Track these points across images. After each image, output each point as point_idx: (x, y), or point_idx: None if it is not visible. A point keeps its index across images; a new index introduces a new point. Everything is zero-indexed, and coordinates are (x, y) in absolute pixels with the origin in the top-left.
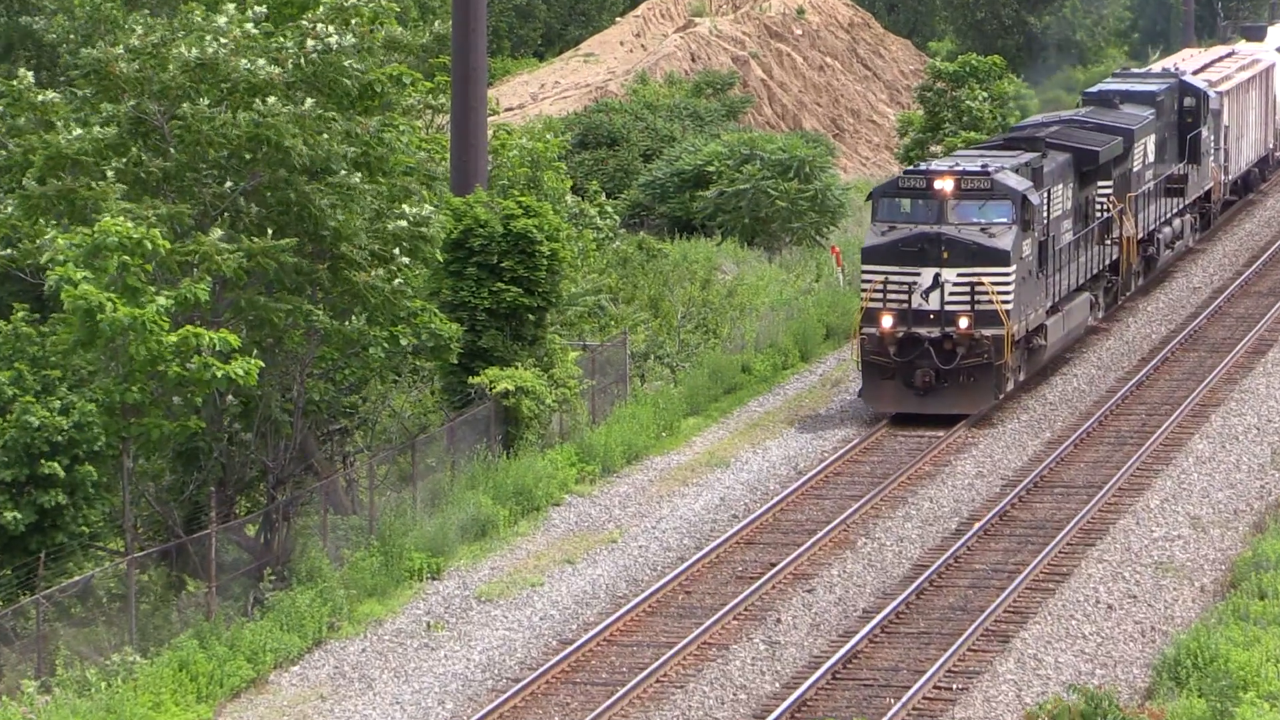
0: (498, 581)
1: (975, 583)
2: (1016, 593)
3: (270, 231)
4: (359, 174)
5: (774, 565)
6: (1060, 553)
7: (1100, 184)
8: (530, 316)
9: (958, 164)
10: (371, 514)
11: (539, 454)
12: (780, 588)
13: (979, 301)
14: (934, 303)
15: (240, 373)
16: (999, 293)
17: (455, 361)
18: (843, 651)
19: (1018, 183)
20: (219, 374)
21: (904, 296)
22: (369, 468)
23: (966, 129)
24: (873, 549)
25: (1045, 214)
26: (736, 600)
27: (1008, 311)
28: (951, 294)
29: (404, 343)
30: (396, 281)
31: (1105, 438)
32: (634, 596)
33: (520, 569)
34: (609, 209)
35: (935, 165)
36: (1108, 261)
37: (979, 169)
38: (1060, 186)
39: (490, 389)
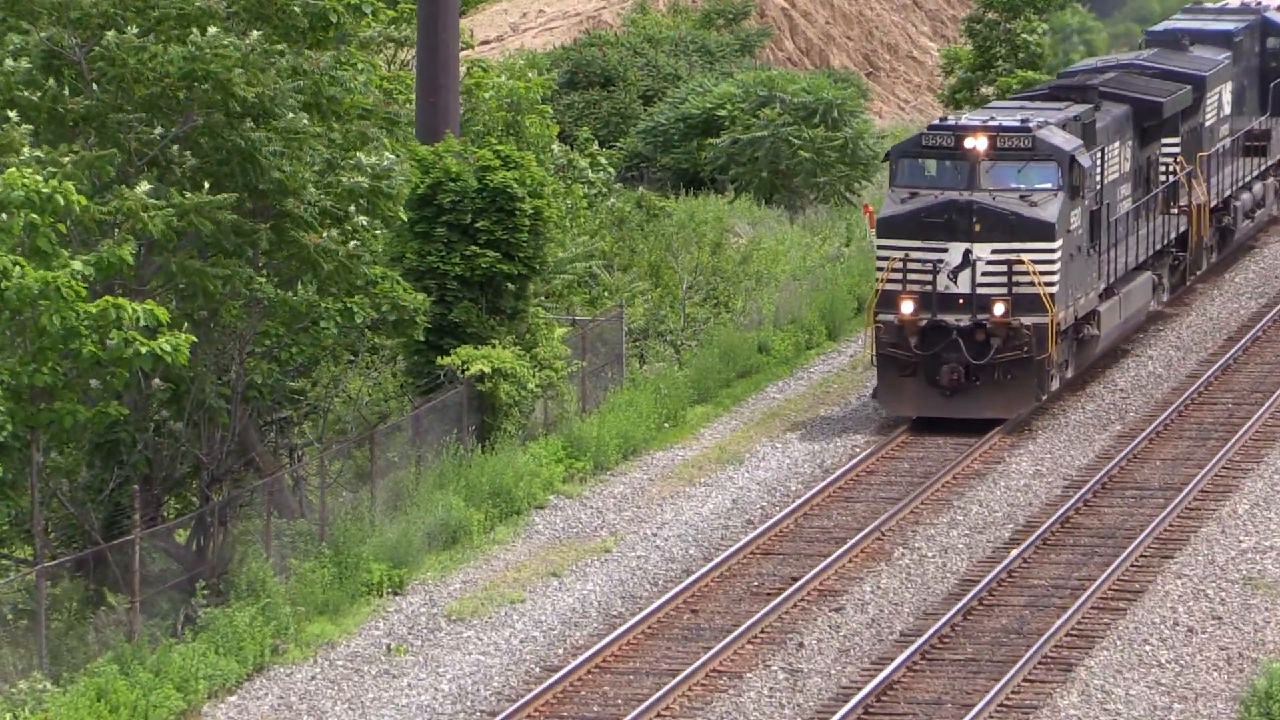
0: (471, 597)
1: (1032, 601)
2: (1081, 613)
3: (206, 185)
4: (308, 118)
5: (796, 580)
6: (1132, 566)
7: (1165, 142)
8: (510, 286)
9: (993, 118)
10: (323, 517)
11: (520, 448)
12: (803, 606)
13: (1018, 283)
14: (964, 285)
15: (169, 350)
16: (1042, 273)
17: (421, 339)
18: (876, 682)
19: (1065, 141)
20: (144, 352)
21: (928, 277)
22: (320, 463)
23: (1023, 67)
24: (912, 561)
25: (1098, 178)
26: (751, 621)
27: (1052, 295)
28: (985, 274)
29: (361, 316)
30: (352, 244)
31: (1185, 431)
32: (631, 616)
33: (497, 582)
34: (602, 160)
35: (966, 119)
36: (1174, 234)
37: (1018, 124)
38: (1116, 145)
39: (462, 371)
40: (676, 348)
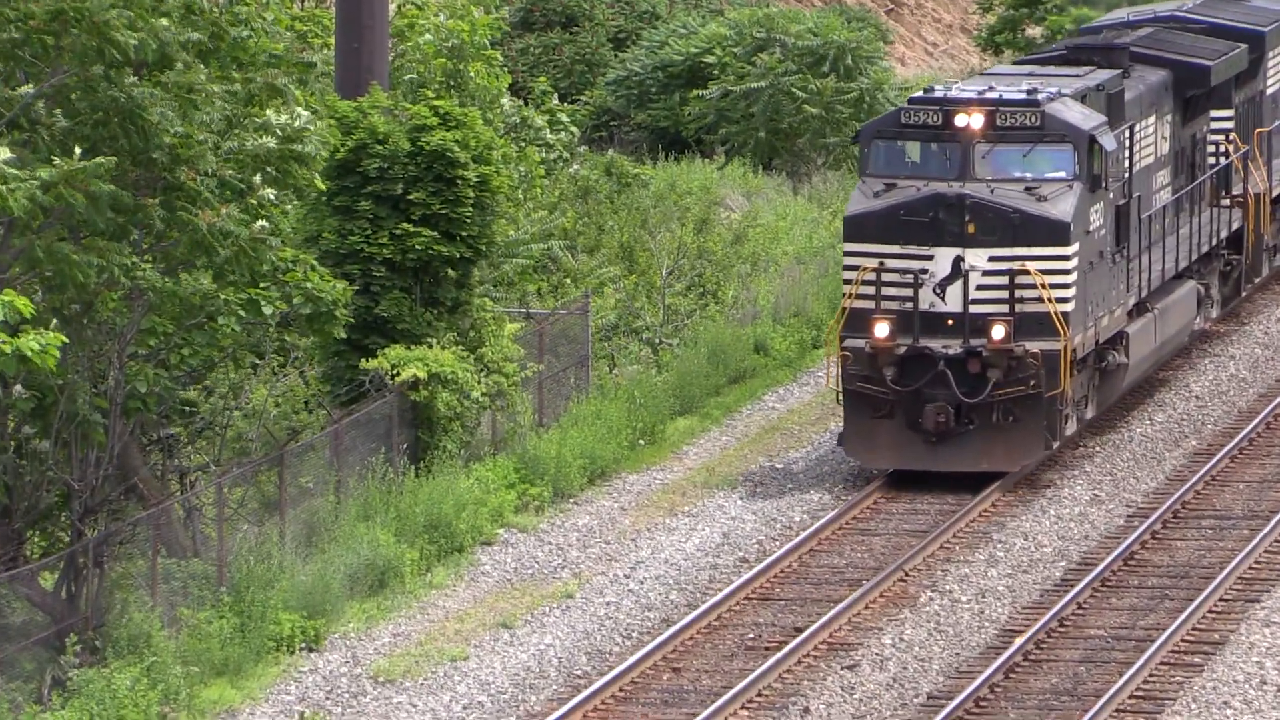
0: (403, 654)
1: (1089, 655)
2: (1148, 669)
3: (79, 150)
4: (205, 68)
5: (800, 631)
6: (1210, 612)
7: (1215, 115)
8: (450, 272)
9: (991, 88)
10: (221, 557)
11: (462, 470)
12: (809, 664)
13: (1022, 299)
14: (953, 301)
15: (36, 350)
16: (1053, 285)
17: (342, 337)
18: None
19: (1082, 117)
20: (6, 351)
21: (908, 292)
22: (217, 491)
23: (1075, 3)
24: (942, 607)
25: (1127, 163)
26: (746, 682)
27: (1066, 314)
28: (980, 288)
29: (268, 310)
30: (259, 224)
31: (1275, 448)
32: (599, 676)
33: (435, 636)
34: (564, 118)
35: (958, 90)
36: (1225, 232)
37: (1023, 96)
38: (1151, 120)
39: (392, 377)
40: (654, 347)
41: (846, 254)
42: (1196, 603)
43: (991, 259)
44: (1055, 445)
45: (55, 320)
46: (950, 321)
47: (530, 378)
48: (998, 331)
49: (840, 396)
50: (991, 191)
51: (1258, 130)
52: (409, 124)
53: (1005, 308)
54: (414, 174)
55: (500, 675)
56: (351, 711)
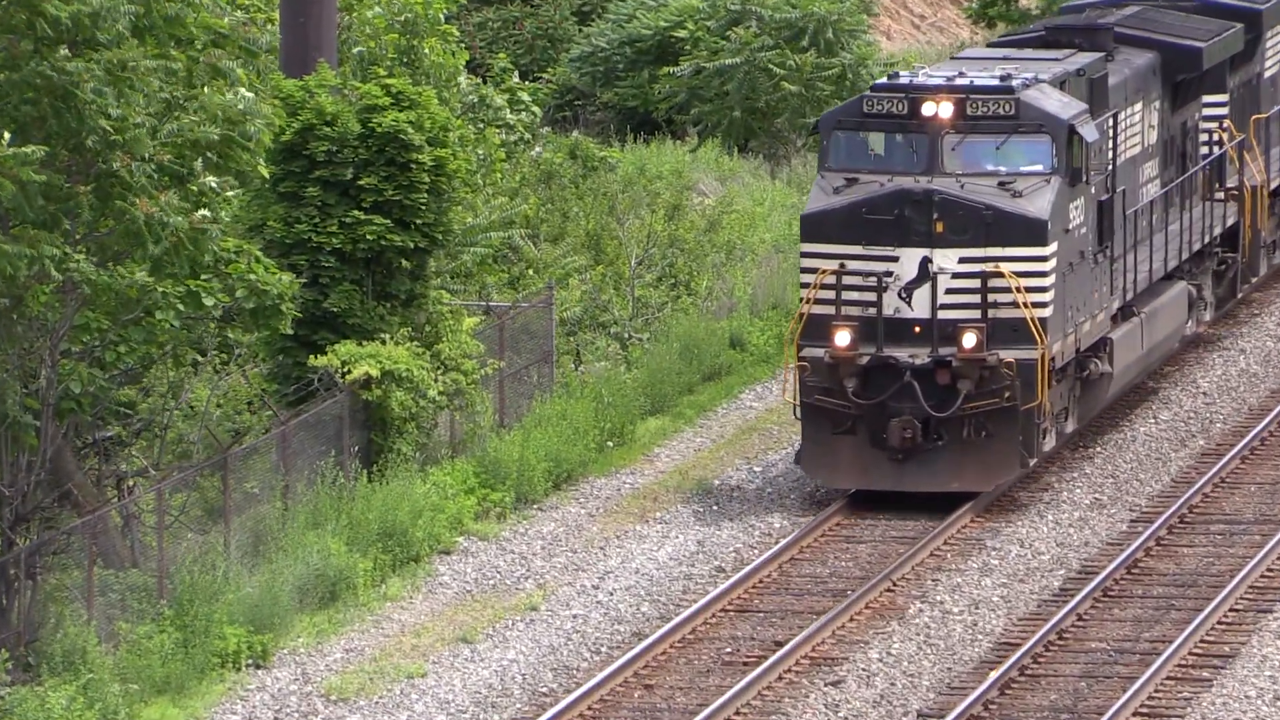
0: (356, 671)
1: (1090, 670)
2: (1153, 685)
3: (6, 135)
4: (140, 45)
5: (781, 645)
6: (1220, 624)
7: (1207, 101)
8: (404, 263)
9: (962, 74)
10: (161, 567)
11: (418, 474)
12: (791, 680)
13: (996, 304)
14: (920, 307)
15: None
16: (1029, 289)
17: (289, 332)
18: None
19: (1061, 105)
20: None
21: (871, 296)
22: (157, 497)
23: None
24: (932, 619)
25: (1111, 155)
26: (723, 699)
27: (1044, 321)
28: (950, 292)
29: (209, 303)
30: (201, 213)
31: None
32: (565, 694)
33: (390, 651)
34: (525, 97)
35: (925, 75)
36: (1219, 228)
37: (996, 83)
38: (1138, 107)
39: (343, 375)
40: (623, 342)
41: (804, 255)
42: (1205, 613)
43: (962, 260)
44: (1032, 462)
45: None
46: (917, 329)
47: (490, 375)
48: (969, 339)
49: (797, 410)
50: (962, 187)
51: (1254, 117)
52: (359, 104)
53: (977, 313)
54: (365, 158)
55: (460, 693)
56: None
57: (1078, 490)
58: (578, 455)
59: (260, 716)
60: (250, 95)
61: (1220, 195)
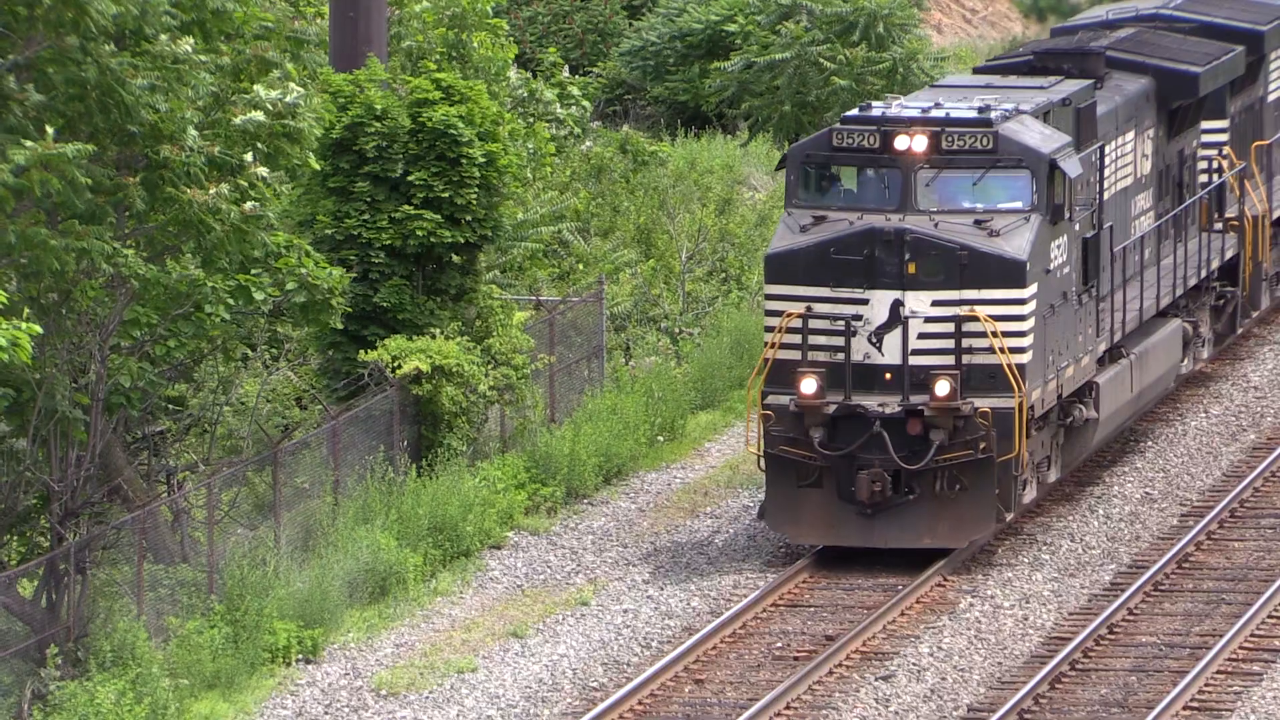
0: (406, 666)
1: (1140, 664)
2: (1204, 679)
3: (54, 130)
4: (188, 40)
5: (832, 640)
6: (1270, 617)
7: (1206, 127)
8: (455, 258)
9: (938, 104)
10: (211, 563)
11: (468, 469)
12: (842, 675)
13: (971, 350)
14: (891, 353)
15: (4, 343)
16: (1006, 334)
17: (339, 327)
18: None
19: (1042, 138)
20: None
21: (839, 341)
22: (207, 492)
23: None
24: (983, 613)
25: (1098, 189)
26: (774, 694)
27: (1022, 367)
28: (923, 337)
29: (259, 297)
30: (249, 205)
31: None
32: (616, 689)
33: (441, 646)
34: (575, 91)
35: (899, 106)
36: (1217, 261)
37: (974, 115)
38: (1130, 136)
39: (393, 370)
40: (673, 337)
41: (769, 298)
42: (1255, 607)
43: (935, 303)
44: (1009, 517)
45: (30, 310)
46: (888, 375)
47: (541, 370)
48: (942, 387)
49: (761, 461)
50: (935, 225)
51: (1256, 143)
52: (409, 98)
53: (950, 359)
54: (415, 153)
55: (510, 688)
56: None
57: (1128, 484)
58: (628, 450)
59: (310, 711)
60: (299, 90)
61: (1219, 226)
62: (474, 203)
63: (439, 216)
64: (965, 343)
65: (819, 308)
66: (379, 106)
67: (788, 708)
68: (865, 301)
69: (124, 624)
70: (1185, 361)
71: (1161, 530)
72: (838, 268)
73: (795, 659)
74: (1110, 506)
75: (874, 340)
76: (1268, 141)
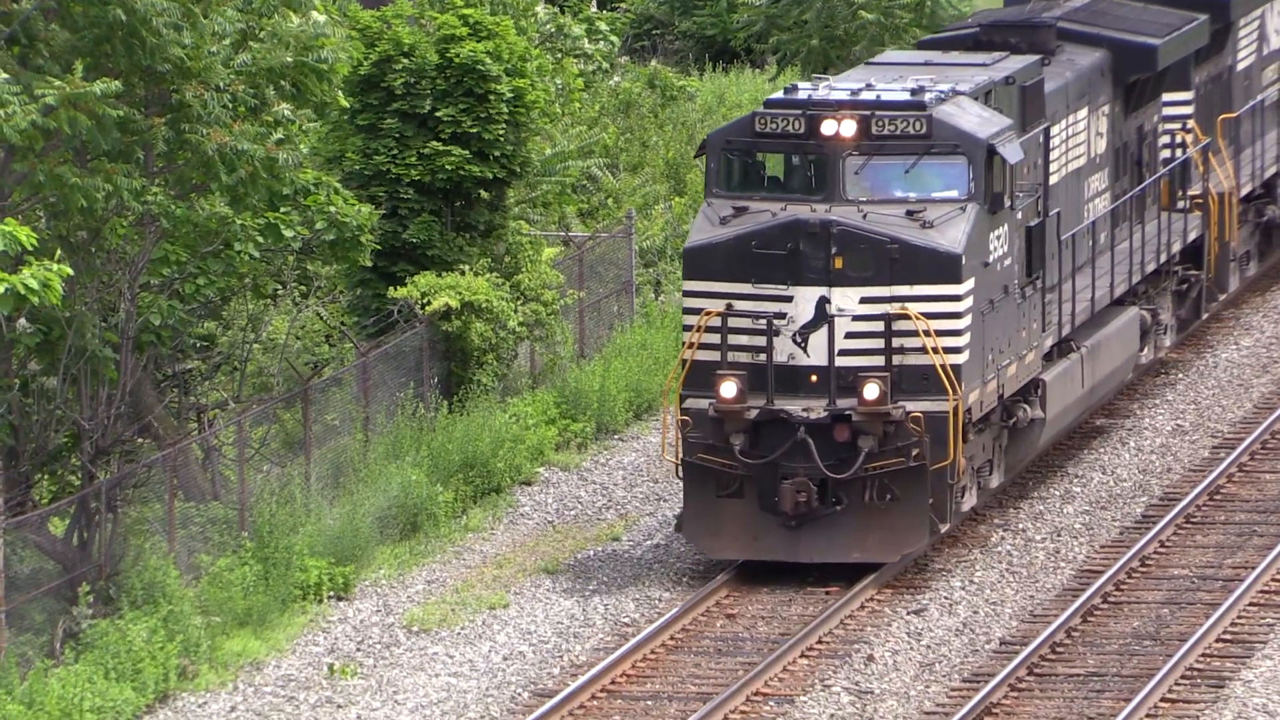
0: (438, 603)
1: (1172, 597)
2: (1236, 611)
3: (80, 69)
4: None
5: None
6: None
7: (1168, 100)
8: (483, 194)
9: (870, 86)
10: (242, 500)
11: (499, 405)
12: (873, 609)
13: (903, 349)
14: (817, 353)
15: (36, 286)
16: (940, 332)
17: (368, 264)
18: (969, 707)
19: (980, 122)
20: (3, 288)
21: (761, 341)
22: (237, 429)
23: None
24: (1014, 547)
25: (1044, 173)
26: (807, 629)
27: (957, 368)
28: (850, 336)
29: (289, 235)
30: (275, 138)
31: None
32: (647, 624)
33: (473, 582)
34: (603, 26)
35: (826, 88)
36: (1180, 243)
37: (906, 97)
38: (1082, 114)
39: (422, 306)
40: None
41: (686, 294)
42: None
43: (864, 300)
44: (945, 528)
45: (60, 251)
46: (813, 378)
47: (570, 306)
48: (871, 390)
49: (679, 469)
50: (864, 216)
51: (1222, 116)
52: (436, 35)
53: (880, 361)
54: (443, 89)
55: (542, 624)
56: (384, 663)
57: (1159, 417)
58: (658, 385)
59: (343, 648)
60: (322, 19)
61: (1183, 206)
62: (502, 138)
63: (467, 152)
64: (896, 342)
65: (740, 305)
66: (407, 43)
67: (820, 641)
68: (789, 299)
69: (155, 562)
70: (1145, 351)
71: (1193, 462)
72: (759, 262)
73: (827, 594)
74: (1141, 439)
75: (798, 340)
76: (1236, 114)
